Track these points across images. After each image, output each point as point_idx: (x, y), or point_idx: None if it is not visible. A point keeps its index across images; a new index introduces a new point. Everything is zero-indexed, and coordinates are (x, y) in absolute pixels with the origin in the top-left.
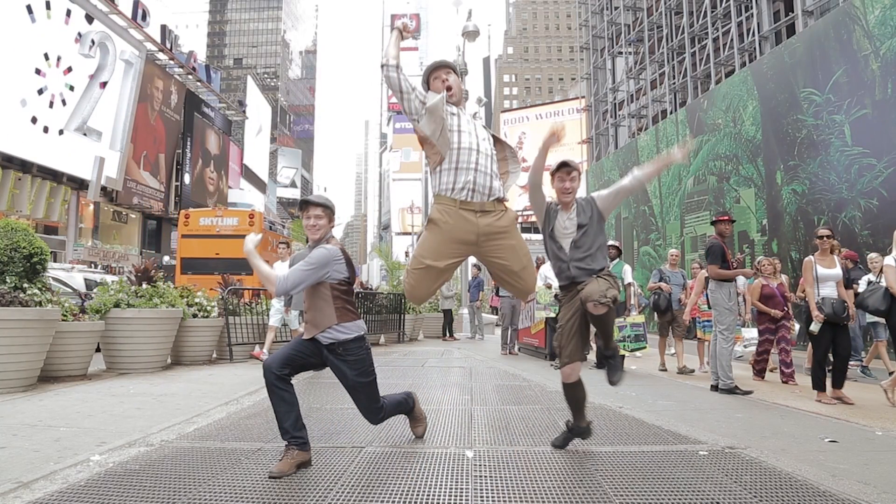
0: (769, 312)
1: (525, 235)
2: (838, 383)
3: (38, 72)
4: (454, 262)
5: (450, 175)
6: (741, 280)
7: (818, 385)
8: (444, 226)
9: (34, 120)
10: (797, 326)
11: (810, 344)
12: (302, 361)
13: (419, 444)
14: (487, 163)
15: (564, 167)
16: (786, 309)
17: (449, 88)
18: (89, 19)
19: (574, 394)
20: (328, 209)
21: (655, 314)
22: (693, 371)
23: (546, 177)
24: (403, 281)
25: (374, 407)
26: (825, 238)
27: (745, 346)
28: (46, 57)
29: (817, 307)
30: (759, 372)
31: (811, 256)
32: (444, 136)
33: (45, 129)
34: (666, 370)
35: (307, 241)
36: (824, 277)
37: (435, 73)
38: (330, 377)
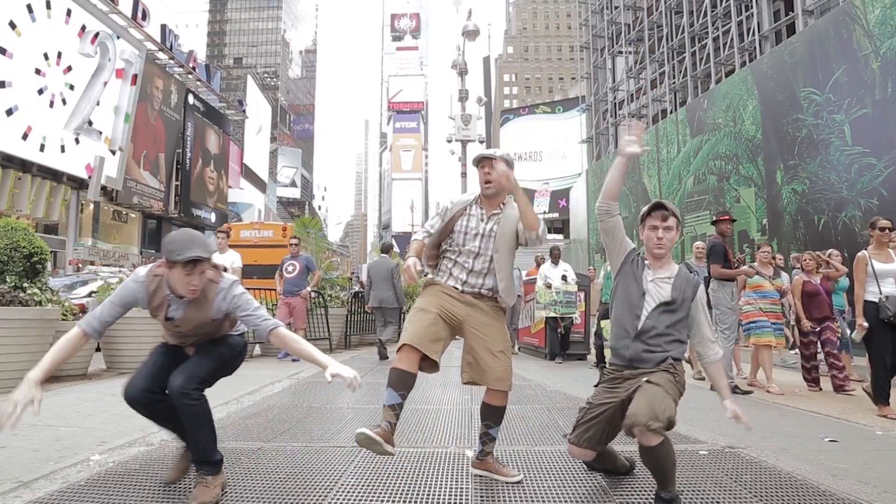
0: (801, 319)
1: None
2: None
3: (37, 72)
4: (445, 314)
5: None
6: (784, 277)
7: (881, 397)
8: (437, 287)
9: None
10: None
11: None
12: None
13: (419, 444)
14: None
15: (659, 209)
16: (830, 307)
17: (489, 182)
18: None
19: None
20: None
21: None
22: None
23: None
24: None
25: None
26: (886, 230)
27: (794, 353)
28: (46, 56)
29: (878, 307)
30: (814, 381)
31: (865, 251)
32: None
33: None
34: (704, 378)
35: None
36: (883, 273)
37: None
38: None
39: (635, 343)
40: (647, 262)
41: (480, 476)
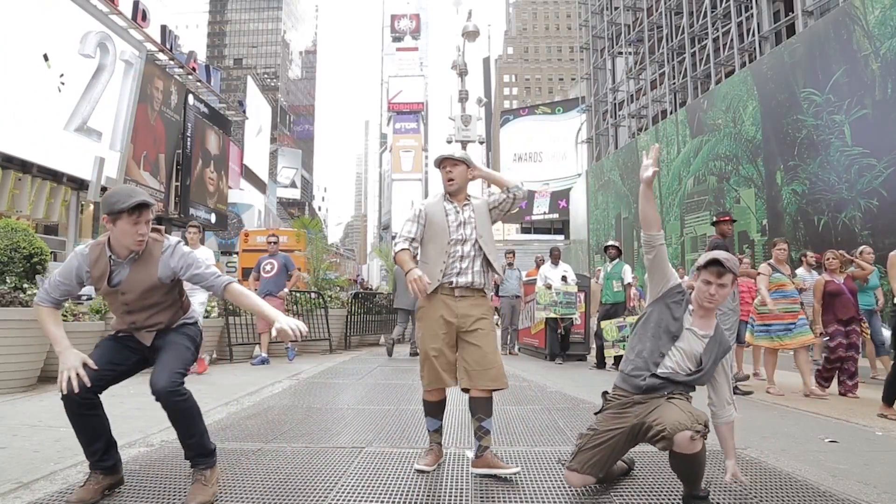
0: (816, 322)
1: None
2: None
3: (37, 72)
4: (447, 343)
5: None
6: (803, 274)
7: (890, 397)
8: (429, 310)
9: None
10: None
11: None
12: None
13: (420, 444)
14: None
15: (715, 265)
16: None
17: (451, 180)
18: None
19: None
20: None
21: None
22: (748, 377)
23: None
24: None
25: (177, 372)
26: None
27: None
28: (46, 57)
29: None
30: (826, 380)
31: None
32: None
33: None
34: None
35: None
36: None
37: (442, 164)
38: (330, 378)
39: (653, 378)
40: (691, 307)
41: (481, 476)
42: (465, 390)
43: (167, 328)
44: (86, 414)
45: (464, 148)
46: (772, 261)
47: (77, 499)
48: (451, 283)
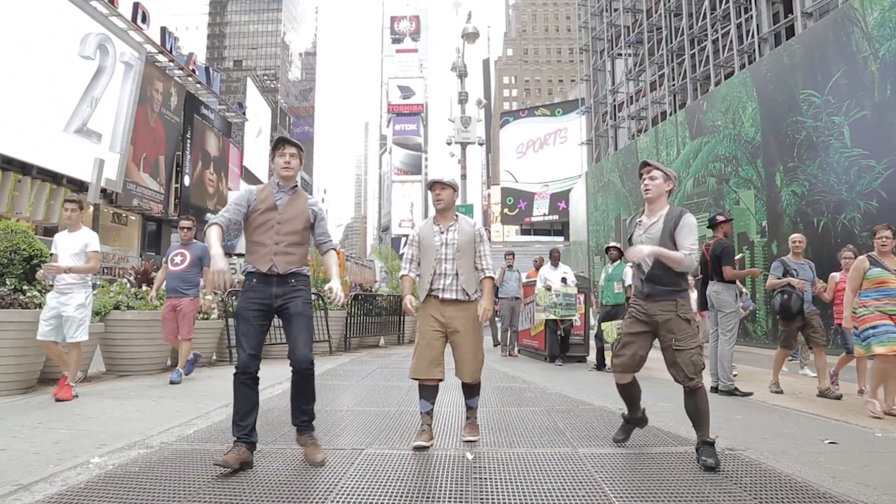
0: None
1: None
2: None
3: (37, 73)
4: (437, 335)
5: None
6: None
7: None
8: (424, 311)
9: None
10: None
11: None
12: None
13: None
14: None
15: (644, 165)
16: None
17: (440, 200)
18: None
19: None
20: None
21: (780, 320)
22: (841, 396)
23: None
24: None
25: (310, 347)
26: None
27: None
28: (46, 58)
29: None
30: None
31: None
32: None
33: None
34: (781, 391)
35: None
36: None
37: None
38: (329, 380)
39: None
40: (639, 218)
41: (465, 442)
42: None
43: (295, 273)
44: (249, 387)
45: (463, 150)
46: (873, 252)
47: (223, 461)
48: (437, 295)
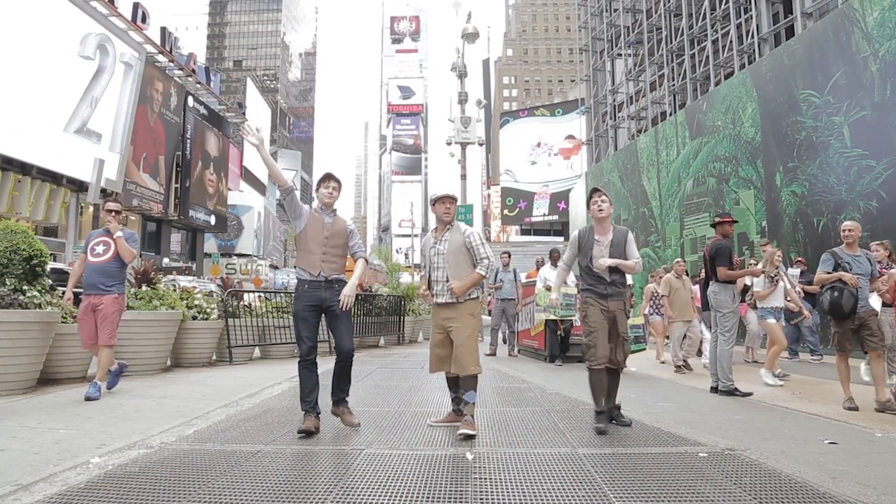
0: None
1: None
2: None
3: (37, 74)
4: (442, 334)
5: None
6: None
7: None
8: (433, 315)
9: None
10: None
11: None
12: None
13: (419, 446)
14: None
15: (596, 191)
16: None
17: (448, 213)
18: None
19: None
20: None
21: (831, 320)
22: None
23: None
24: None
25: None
26: None
27: None
28: (45, 59)
29: None
30: None
31: None
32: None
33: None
34: (856, 408)
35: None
36: None
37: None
38: (330, 380)
39: (610, 287)
40: (596, 236)
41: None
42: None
43: (337, 280)
44: (311, 370)
45: (463, 150)
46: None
47: (304, 429)
48: (437, 300)
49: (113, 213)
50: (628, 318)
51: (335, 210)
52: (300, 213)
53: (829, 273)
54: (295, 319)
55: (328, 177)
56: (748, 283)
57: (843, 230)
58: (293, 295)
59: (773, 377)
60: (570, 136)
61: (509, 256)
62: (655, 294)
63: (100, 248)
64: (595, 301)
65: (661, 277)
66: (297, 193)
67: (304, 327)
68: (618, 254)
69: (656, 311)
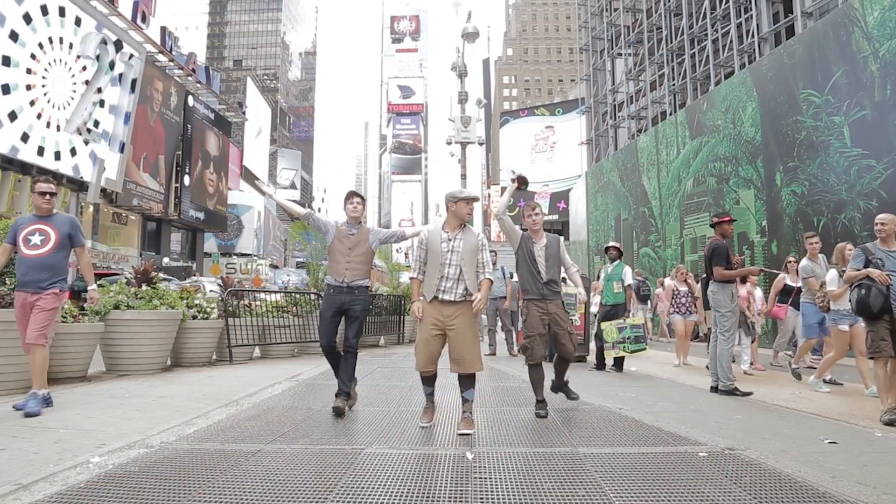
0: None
1: None
2: None
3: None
4: (436, 332)
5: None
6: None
7: None
8: (427, 309)
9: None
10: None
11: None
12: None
13: (419, 445)
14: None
15: (530, 203)
16: None
17: (469, 214)
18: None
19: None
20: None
21: (862, 320)
22: None
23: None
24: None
25: (357, 338)
26: None
27: None
28: (45, 59)
29: None
30: None
31: None
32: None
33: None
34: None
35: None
36: None
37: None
38: (329, 380)
39: (546, 288)
40: (534, 240)
41: (460, 435)
42: (456, 372)
43: (358, 286)
44: (334, 356)
45: (463, 149)
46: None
47: (336, 405)
48: (439, 297)
49: (46, 196)
50: (628, 318)
51: (361, 222)
52: (327, 230)
53: (858, 270)
54: (320, 317)
55: (352, 194)
56: (824, 281)
57: (876, 224)
58: (321, 296)
59: (824, 384)
60: (571, 136)
61: (496, 255)
62: (677, 292)
63: (36, 239)
64: (535, 305)
65: (683, 274)
66: (317, 214)
67: (324, 325)
68: (556, 257)
69: (677, 310)
